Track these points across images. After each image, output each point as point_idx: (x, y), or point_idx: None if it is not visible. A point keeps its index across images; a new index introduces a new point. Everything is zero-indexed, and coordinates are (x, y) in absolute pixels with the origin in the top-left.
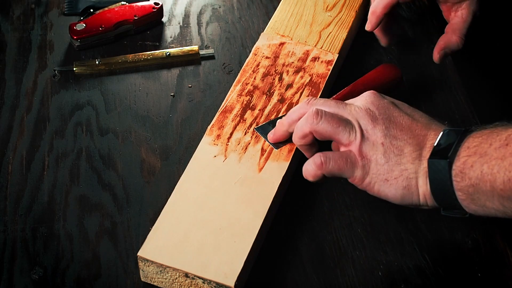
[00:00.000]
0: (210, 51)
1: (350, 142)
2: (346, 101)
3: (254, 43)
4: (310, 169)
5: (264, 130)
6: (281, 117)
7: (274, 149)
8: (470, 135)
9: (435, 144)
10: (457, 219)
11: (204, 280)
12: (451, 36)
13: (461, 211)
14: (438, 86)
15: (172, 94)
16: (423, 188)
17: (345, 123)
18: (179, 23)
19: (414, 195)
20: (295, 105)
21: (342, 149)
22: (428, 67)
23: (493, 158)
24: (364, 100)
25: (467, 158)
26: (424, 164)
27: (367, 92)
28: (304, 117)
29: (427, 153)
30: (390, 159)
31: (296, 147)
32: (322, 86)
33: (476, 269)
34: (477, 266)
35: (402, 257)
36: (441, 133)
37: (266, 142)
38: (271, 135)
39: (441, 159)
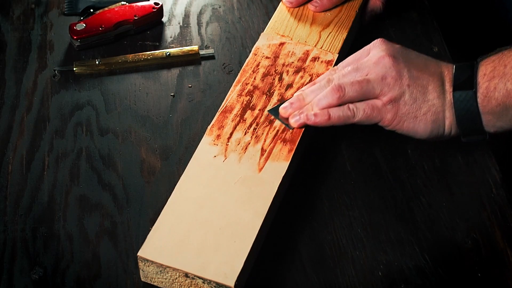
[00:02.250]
0: (210, 51)
1: (377, 95)
2: (361, 53)
3: (254, 43)
4: (341, 117)
5: (277, 112)
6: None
7: (289, 128)
8: (480, 64)
9: (453, 78)
10: (458, 219)
11: (204, 280)
12: (375, 1)
13: (482, 136)
14: None
15: (172, 94)
16: (450, 119)
17: (367, 83)
18: (179, 23)
19: (441, 127)
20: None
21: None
22: None
23: None
24: (379, 48)
25: (488, 83)
26: (449, 97)
27: (376, 41)
28: (324, 94)
29: (449, 86)
30: (417, 98)
31: (297, 146)
32: None
33: (476, 269)
34: (477, 266)
35: (402, 257)
36: (454, 68)
37: (267, 141)
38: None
39: (466, 90)
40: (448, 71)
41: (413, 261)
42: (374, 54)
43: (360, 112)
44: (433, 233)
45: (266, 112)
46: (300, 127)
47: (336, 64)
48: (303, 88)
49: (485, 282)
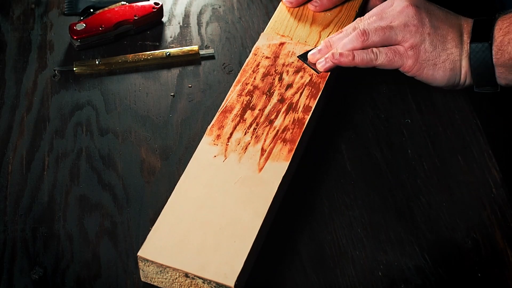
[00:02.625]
0: (210, 51)
1: (399, 42)
2: (386, 4)
3: (254, 43)
4: (364, 59)
5: (305, 57)
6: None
7: (317, 73)
8: (498, 20)
9: (472, 30)
10: (458, 219)
11: (204, 280)
12: (375, 2)
13: (494, 87)
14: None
15: (172, 94)
16: (465, 68)
17: (390, 29)
18: (179, 23)
19: (458, 75)
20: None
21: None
22: None
23: None
24: (401, 1)
25: (502, 37)
26: (466, 47)
27: None
28: (350, 39)
29: (467, 38)
30: (437, 46)
31: (297, 146)
32: (322, 86)
33: (476, 269)
34: (477, 266)
35: (402, 257)
36: (473, 21)
37: (267, 141)
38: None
39: (482, 42)
40: (467, 24)
41: (413, 261)
42: (398, 3)
43: (382, 55)
44: (433, 233)
45: (297, 58)
46: (326, 70)
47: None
48: (331, 36)
49: (485, 282)
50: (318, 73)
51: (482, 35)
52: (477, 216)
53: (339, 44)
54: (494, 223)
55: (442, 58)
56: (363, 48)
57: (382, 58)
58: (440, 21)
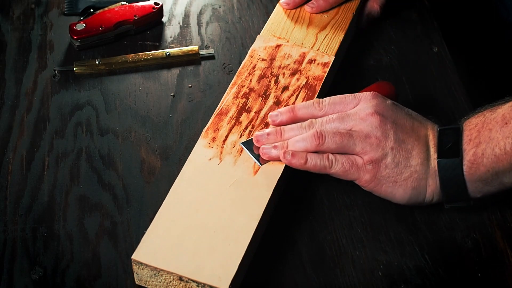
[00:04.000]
0: (210, 51)
1: (357, 153)
2: (350, 100)
3: None
4: (317, 165)
5: (250, 144)
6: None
7: (259, 165)
8: (464, 128)
9: (438, 144)
10: (458, 219)
11: (198, 283)
12: (372, 5)
13: (467, 202)
14: (438, 86)
15: (172, 94)
16: (432, 186)
17: (349, 138)
18: (179, 23)
19: (422, 194)
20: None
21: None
22: (428, 67)
23: (500, 140)
24: (369, 103)
25: (475, 149)
26: (433, 164)
27: (368, 93)
28: (304, 137)
29: (433, 153)
30: (399, 163)
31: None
32: (318, 88)
33: (476, 269)
34: (477, 266)
35: (402, 257)
36: (437, 132)
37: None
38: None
39: (452, 158)
40: (433, 134)
41: (413, 261)
42: (363, 108)
43: (338, 165)
44: (433, 233)
45: (239, 145)
46: (268, 160)
47: (333, 66)
48: (281, 110)
49: (485, 282)
50: (260, 164)
51: (451, 150)
52: (477, 216)
53: (291, 138)
54: (494, 223)
55: (404, 176)
56: (316, 151)
57: (337, 167)
58: (405, 133)
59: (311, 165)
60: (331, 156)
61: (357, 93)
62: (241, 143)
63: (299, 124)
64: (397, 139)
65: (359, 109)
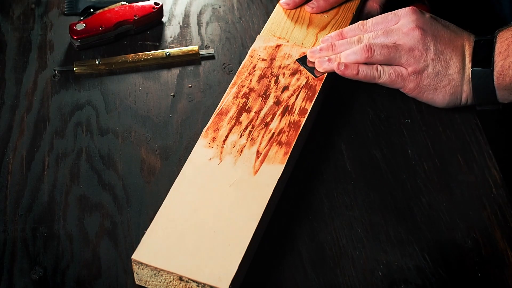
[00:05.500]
0: (210, 51)
1: (402, 64)
2: (391, 17)
3: None
4: (367, 75)
5: (304, 60)
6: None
7: (314, 76)
8: (497, 41)
9: (472, 54)
10: (458, 219)
11: (198, 283)
12: (372, 4)
13: (496, 105)
14: None
15: (172, 94)
16: (467, 92)
17: (395, 50)
18: (179, 23)
19: (458, 98)
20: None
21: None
22: None
23: None
24: (410, 18)
25: (503, 62)
26: (467, 72)
27: (408, 9)
28: (354, 51)
29: (468, 62)
30: (439, 72)
31: (292, 149)
32: (318, 88)
33: (476, 269)
34: (477, 266)
35: (402, 257)
36: (473, 44)
37: (263, 144)
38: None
39: (484, 68)
40: (469, 45)
41: (413, 261)
42: (405, 23)
43: (386, 75)
44: (433, 233)
45: (295, 60)
46: (325, 71)
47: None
48: (331, 36)
49: (485, 282)
50: (316, 77)
51: (484, 60)
52: (477, 216)
53: (343, 52)
54: (494, 223)
55: (443, 83)
56: (365, 63)
57: (385, 77)
58: (444, 44)
59: (362, 75)
60: (379, 67)
61: (397, 10)
62: (297, 59)
63: (348, 39)
64: (436, 50)
65: (402, 24)
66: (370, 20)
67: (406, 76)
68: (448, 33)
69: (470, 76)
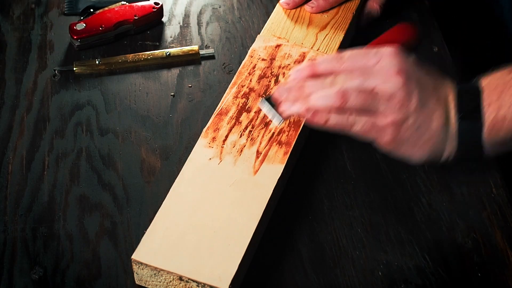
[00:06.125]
0: (210, 51)
1: (380, 113)
2: (372, 56)
3: None
4: (338, 124)
5: (270, 101)
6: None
7: (278, 122)
8: (483, 90)
9: (458, 106)
10: (458, 219)
11: (198, 283)
12: (372, 4)
13: (479, 160)
14: None
15: (172, 94)
16: (450, 149)
17: (373, 98)
18: (179, 23)
19: (438, 155)
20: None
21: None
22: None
23: None
24: (393, 60)
25: (495, 113)
26: (452, 127)
27: (391, 49)
28: (326, 95)
29: (453, 115)
30: (421, 126)
31: (292, 149)
32: None
33: (476, 269)
34: (477, 266)
35: (402, 257)
36: (457, 93)
37: (262, 144)
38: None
39: (473, 122)
40: (452, 95)
41: (413, 261)
42: (386, 66)
43: (359, 125)
44: (433, 233)
45: (259, 101)
46: (288, 118)
47: None
48: (300, 67)
49: (485, 282)
50: (282, 120)
51: (471, 113)
52: (477, 216)
53: (313, 95)
54: (494, 223)
55: (424, 139)
56: (339, 109)
57: (358, 127)
58: (428, 93)
59: (332, 124)
60: (352, 116)
61: (379, 48)
62: (262, 99)
63: (321, 81)
64: (420, 100)
65: (383, 66)
66: (347, 52)
67: (383, 127)
68: (432, 81)
69: (456, 132)
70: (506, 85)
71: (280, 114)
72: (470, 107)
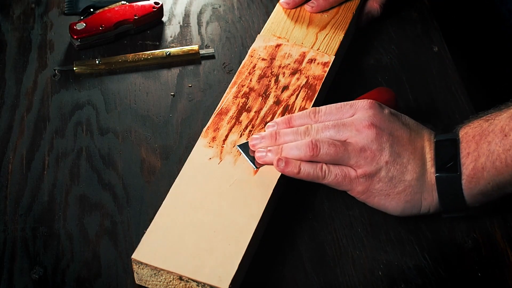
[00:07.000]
0: (210, 50)
1: (351, 165)
2: (347, 109)
3: None
4: (310, 175)
5: (246, 148)
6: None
7: (254, 168)
8: (461, 140)
9: (435, 157)
10: (458, 219)
11: (198, 283)
12: (372, 4)
13: (464, 212)
14: (438, 86)
15: (172, 93)
16: (429, 199)
17: (344, 150)
18: (179, 23)
19: (416, 207)
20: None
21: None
22: (428, 67)
23: (501, 153)
24: (366, 113)
25: (474, 163)
26: (429, 178)
27: (366, 102)
28: (298, 145)
29: (430, 167)
30: (394, 177)
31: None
32: (318, 88)
33: (476, 269)
34: (477, 266)
35: (402, 257)
36: (434, 144)
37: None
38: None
39: (450, 173)
40: (430, 146)
41: (413, 261)
42: (360, 118)
43: (331, 176)
44: (433, 233)
45: (236, 147)
46: (263, 164)
47: (333, 65)
48: (277, 120)
49: (485, 282)
50: (255, 168)
51: (449, 164)
52: (477, 216)
53: (286, 145)
54: (494, 223)
55: (397, 190)
56: (310, 161)
57: (330, 178)
58: (402, 145)
59: (304, 175)
60: (324, 166)
61: (354, 101)
62: (238, 145)
63: (294, 129)
64: (392, 152)
65: (356, 119)
66: (323, 108)
67: (355, 178)
68: (407, 133)
69: (434, 183)
70: (484, 133)
71: (255, 162)
72: (447, 158)
